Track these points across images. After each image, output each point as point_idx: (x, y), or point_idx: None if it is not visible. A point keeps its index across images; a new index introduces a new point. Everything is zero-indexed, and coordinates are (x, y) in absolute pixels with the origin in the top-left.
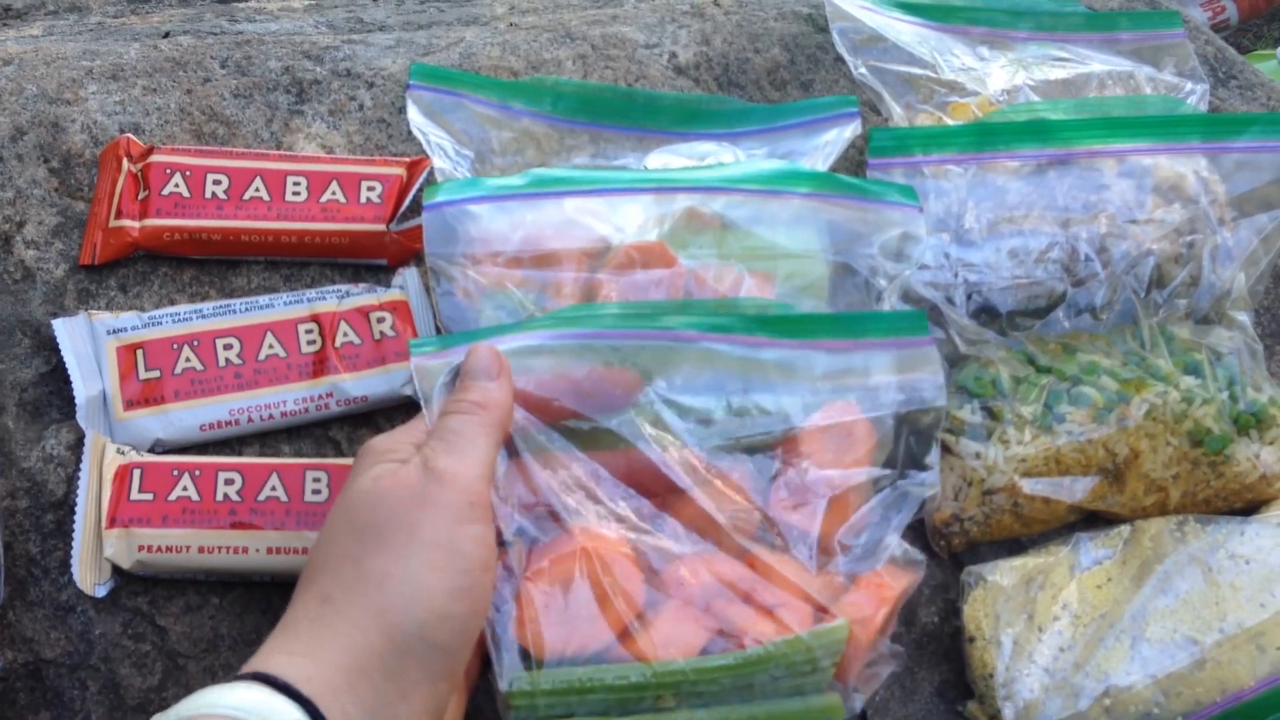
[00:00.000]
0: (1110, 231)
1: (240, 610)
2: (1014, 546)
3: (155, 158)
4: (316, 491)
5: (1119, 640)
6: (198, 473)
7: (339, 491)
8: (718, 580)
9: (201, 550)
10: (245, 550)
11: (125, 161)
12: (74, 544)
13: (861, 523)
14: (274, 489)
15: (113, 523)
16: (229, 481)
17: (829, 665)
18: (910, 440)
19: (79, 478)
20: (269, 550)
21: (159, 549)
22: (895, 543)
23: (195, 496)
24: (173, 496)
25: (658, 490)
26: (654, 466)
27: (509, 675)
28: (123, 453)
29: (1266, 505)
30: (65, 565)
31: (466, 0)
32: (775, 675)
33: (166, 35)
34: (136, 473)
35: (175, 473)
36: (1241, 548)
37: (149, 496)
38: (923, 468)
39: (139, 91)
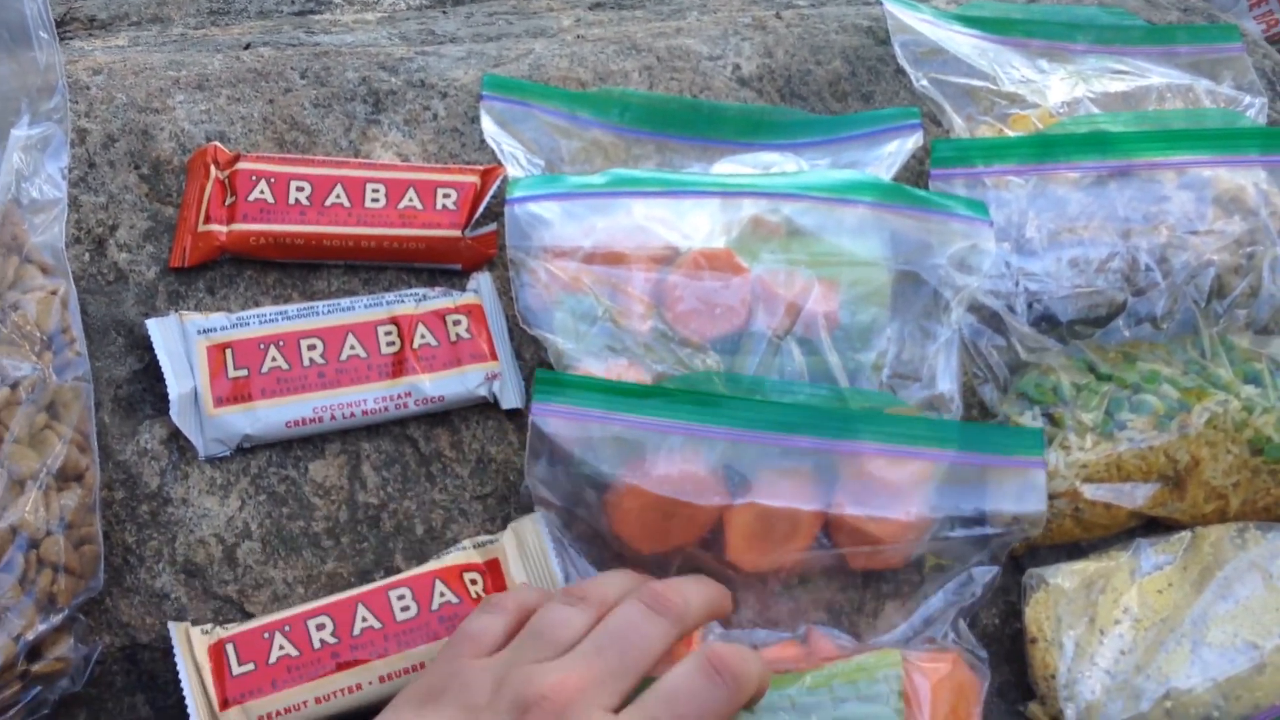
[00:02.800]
0: (1170, 242)
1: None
2: (1074, 550)
3: (241, 165)
4: (405, 609)
5: (1180, 644)
6: (287, 628)
7: (424, 611)
8: None
9: (318, 700)
10: (359, 687)
11: (213, 168)
12: None
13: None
14: (365, 619)
15: (225, 704)
16: (320, 626)
17: (893, 692)
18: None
19: (178, 671)
20: (380, 679)
21: (277, 713)
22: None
23: (294, 652)
24: (273, 659)
25: None
26: None
27: None
28: (206, 631)
29: None
30: (159, 554)
31: (533, 13)
32: (840, 696)
33: (248, 46)
34: (230, 648)
35: (266, 635)
36: None
37: (250, 667)
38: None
39: (224, 101)
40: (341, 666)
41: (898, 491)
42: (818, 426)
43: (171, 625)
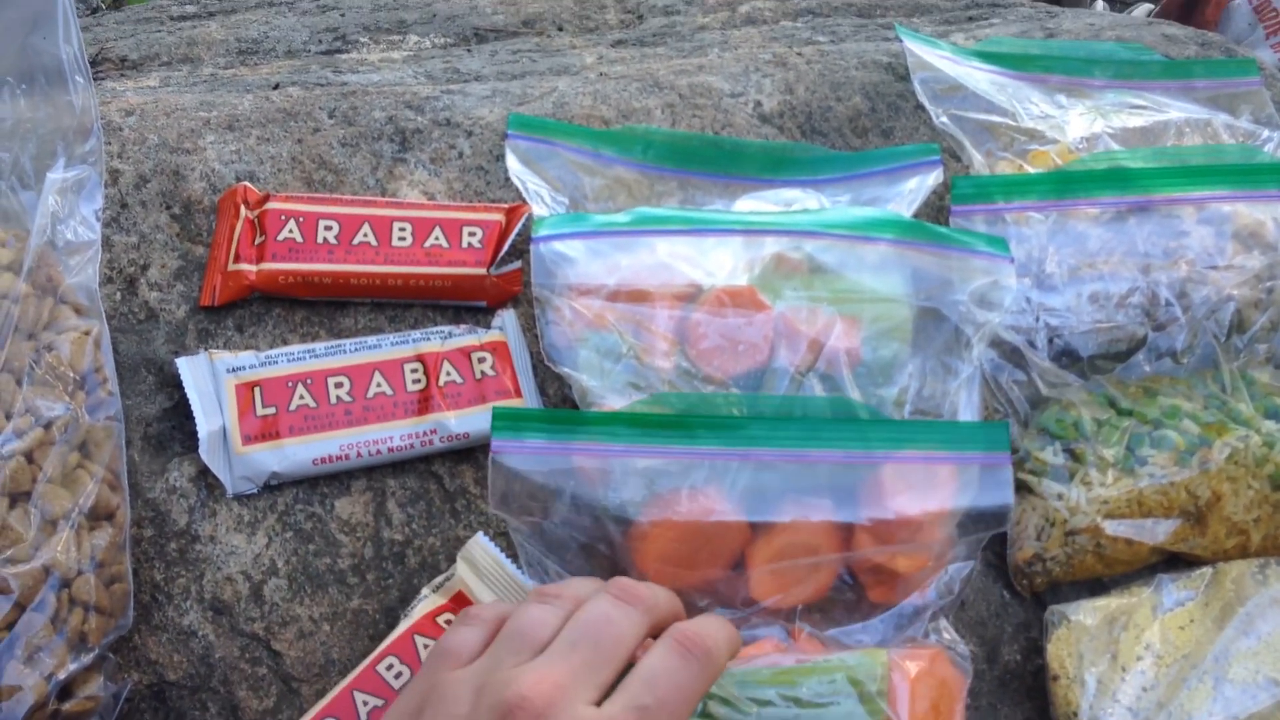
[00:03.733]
0: (1190, 277)
1: (350, 636)
2: (1095, 586)
3: (271, 205)
4: (399, 676)
5: (1202, 681)
6: None
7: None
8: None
9: None
10: None
11: (243, 208)
12: None
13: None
14: (366, 703)
15: None
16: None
17: (876, 691)
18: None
19: None
20: None
21: None
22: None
23: None
24: None
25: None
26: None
27: None
28: None
29: None
30: (187, 592)
31: (556, 50)
32: (820, 693)
33: (276, 87)
34: None
35: None
36: None
37: None
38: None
39: (253, 141)
40: None
41: (919, 528)
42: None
43: None
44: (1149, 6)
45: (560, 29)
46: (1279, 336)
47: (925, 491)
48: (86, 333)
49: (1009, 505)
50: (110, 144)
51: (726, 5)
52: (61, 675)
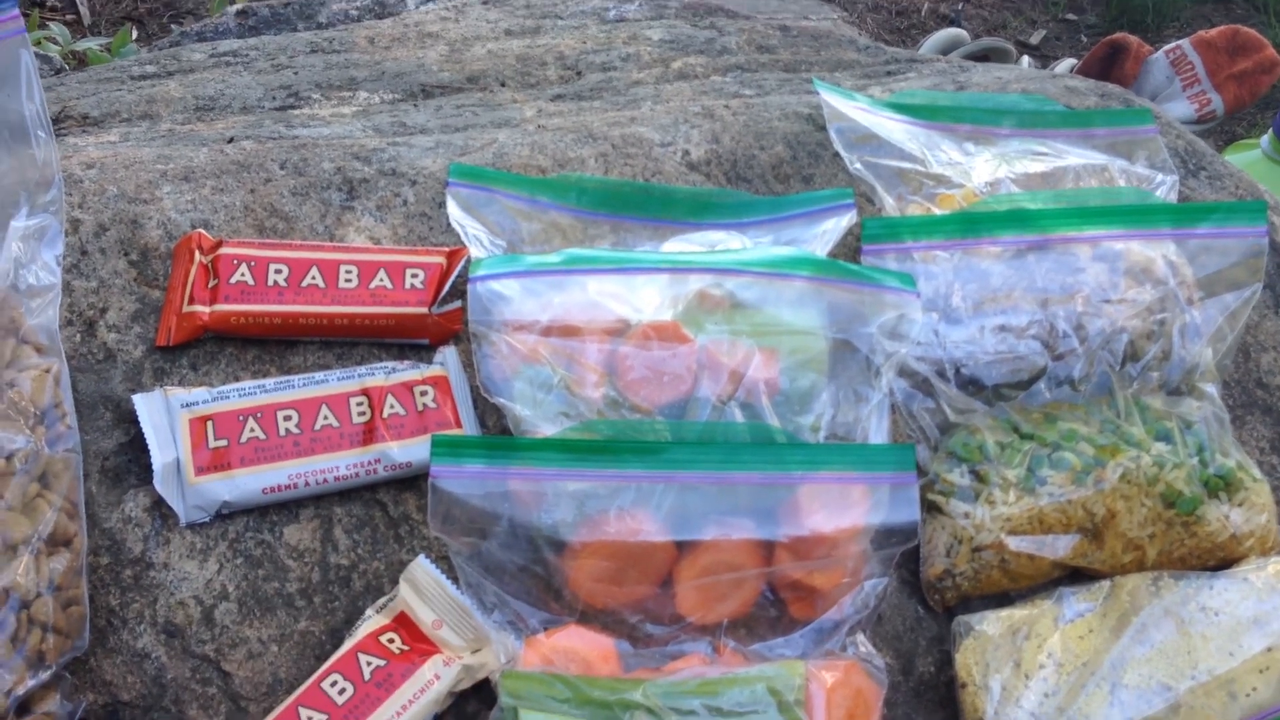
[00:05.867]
0: (1086, 310)
1: (297, 656)
2: (1004, 600)
3: (224, 250)
4: (342, 692)
5: (1099, 686)
6: None
7: (360, 684)
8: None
9: None
10: None
11: (197, 253)
12: None
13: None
14: (311, 718)
15: None
16: None
17: (794, 700)
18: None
19: None
20: None
21: None
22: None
23: None
24: None
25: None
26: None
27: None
28: None
29: (1237, 563)
30: (141, 616)
31: (499, 105)
32: (740, 702)
33: (231, 140)
34: None
35: None
36: (1211, 600)
37: None
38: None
39: (208, 191)
40: None
41: (835, 544)
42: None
43: None
44: (1071, 62)
45: (503, 85)
46: (1170, 365)
47: (839, 510)
48: (47, 370)
49: (917, 521)
50: (71, 195)
51: (661, 62)
52: (20, 691)
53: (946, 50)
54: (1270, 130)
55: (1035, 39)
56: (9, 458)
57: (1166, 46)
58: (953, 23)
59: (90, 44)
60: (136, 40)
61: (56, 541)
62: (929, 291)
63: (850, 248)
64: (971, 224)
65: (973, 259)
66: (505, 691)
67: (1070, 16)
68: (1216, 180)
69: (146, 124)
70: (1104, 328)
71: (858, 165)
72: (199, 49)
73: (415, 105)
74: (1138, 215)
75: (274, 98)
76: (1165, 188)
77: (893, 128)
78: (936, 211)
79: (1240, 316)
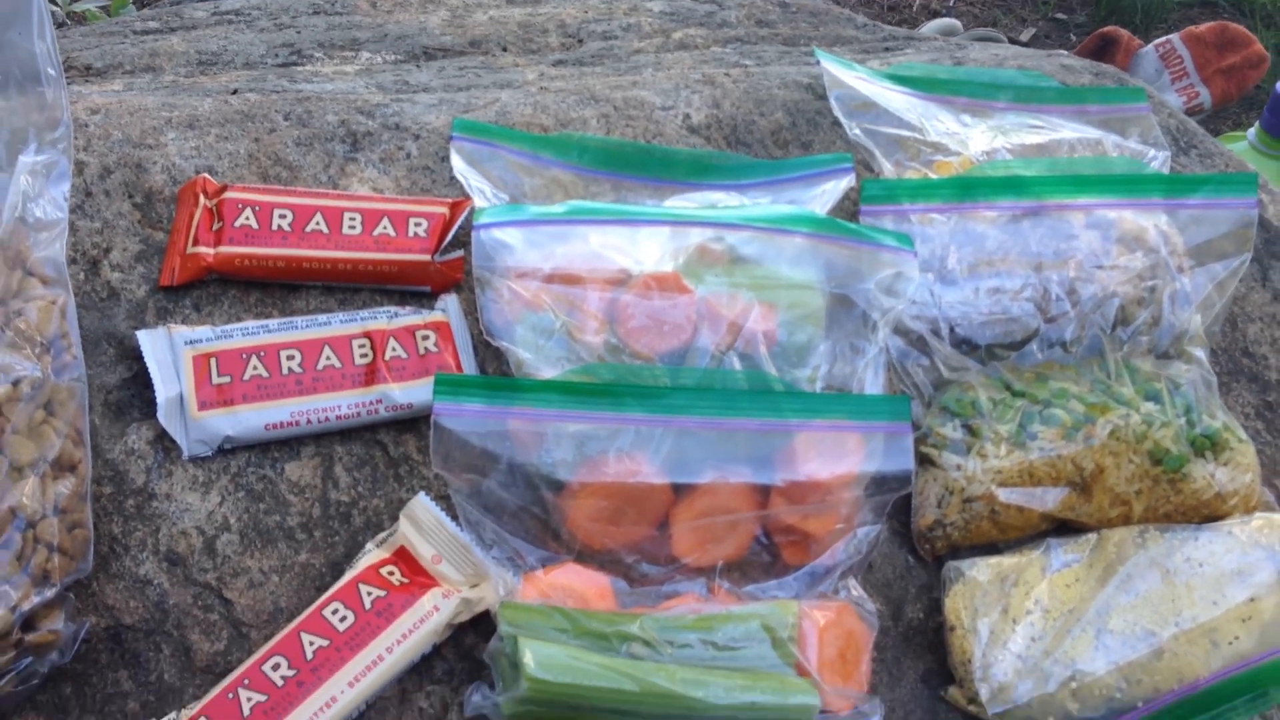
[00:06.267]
0: (1079, 276)
1: (297, 587)
2: (992, 551)
3: (228, 194)
4: (344, 619)
5: (1085, 631)
6: (247, 681)
7: (360, 613)
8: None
9: None
10: (333, 701)
11: (202, 197)
12: None
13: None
14: (312, 643)
15: None
16: (275, 666)
17: (788, 637)
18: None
19: None
20: (350, 684)
21: None
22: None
23: (261, 698)
24: (247, 712)
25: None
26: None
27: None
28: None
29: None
30: (144, 545)
31: (501, 68)
32: (735, 637)
33: (235, 92)
34: None
35: (230, 696)
36: (1196, 552)
37: None
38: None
39: (212, 139)
40: (309, 691)
41: (829, 490)
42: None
43: None
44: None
45: (505, 50)
46: (1160, 330)
47: (835, 457)
48: (53, 302)
49: (911, 469)
50: (76, 138)
51: (661, 32)
52: (25, 607)
53: None
54: (1258, 123)
55: (1025, 36)
56: (16, 384)
57: (1156, 40)
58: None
59: (89, 5)
60: (135, 3)
61: (62, 466)
62: (925, 253)
63: (848, 212)
64: (968, 189)
65: (968, 223)
66: (505, 621)
67: (1060, 16)
68: (1207, 159)
69: (149, 76)
70: (1096, 293)
71: (857, 131)
72: (201, 7)
73: (418, 66)
74: (1131, 185)
75: (277, 55)
76: (1157, 163)
77: (891, 97)
78: (933, 177)
79: (1229, 285)
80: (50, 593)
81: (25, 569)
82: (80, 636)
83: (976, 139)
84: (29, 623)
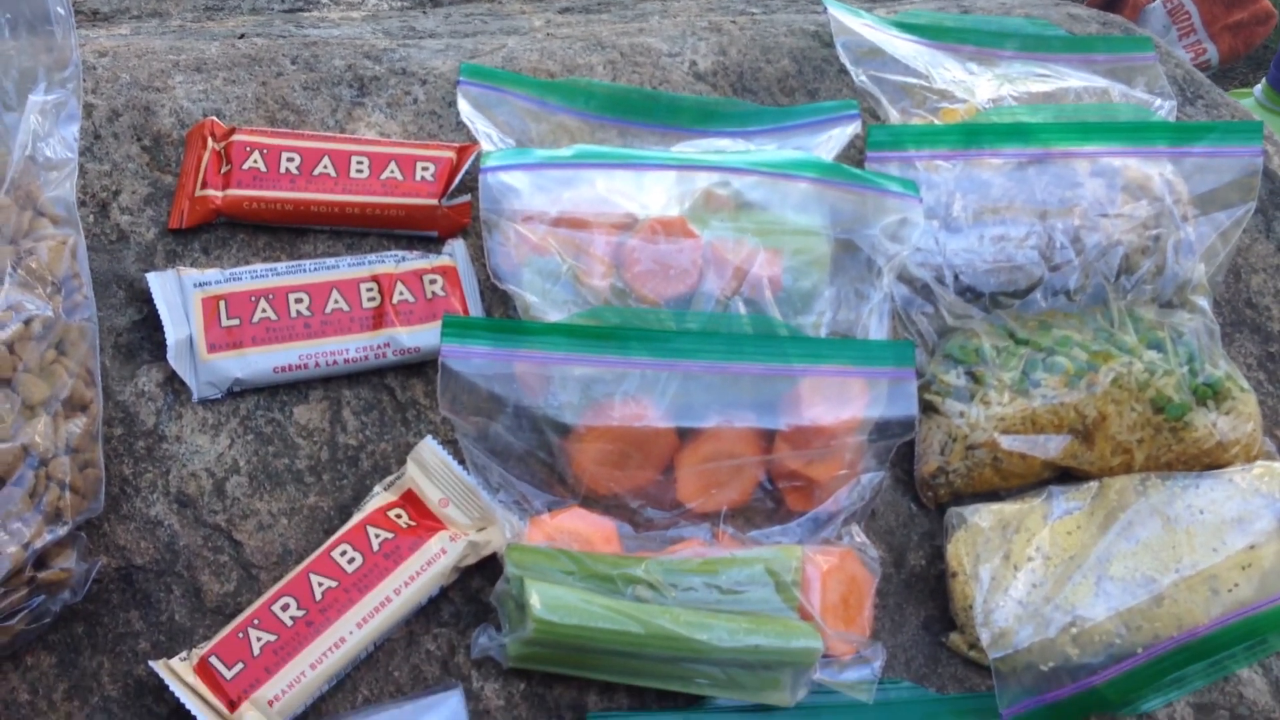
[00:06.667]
0: (1083, 224)
1: (306, 529)
2: (994, 499)
3: (236, 137)
4: (351, 561)
5: (1085, 578)
6: (257, 622)
7: (369, 555)
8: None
9: (313, 666)
10: (342, 642)
11: (210, 140)
12: None
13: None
14: (321, 584)
15: (233, 705)
16: (285, 607)
17: (791, 581)
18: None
19: (182, 703)
20: (358, 625)
21: (283, 692)
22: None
23: (271, 637)
24: (257, 652)
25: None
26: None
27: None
28: (185, 658)
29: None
30: (154, 486)
31: (507, 15)
32: (739, 581)
33: (242, 36)
34: (214, 659)
35: (241, 635)
36: (1197, 499)
37: (241, 667)
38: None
39: (220, 82)
40: (318, 631)
41: (833, 435)
42: (753, 353)
43: (153, 665)
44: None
45: None
46: (1163, 279)
47: (839, 403)
48: (64, 242)
49: (914, 415)
50: (85, 81)
51: None
52: (38, 544)
53: None
54: (1264, 80)
55: None
56: (27, 323)
57: None
58: None
59: None
60: None
61: (73, 406)
62: (930, 200)
63: (854, 159)
64: (974, 136)
65: (974, 170)
66: (511, 563)
67: None
68: (1214, 109)
69: (156, 21)
70: (1100, 241)
71: (863, 78)
72: None
73: (424, 12)
74: (1136, 132)
75: (283, 0)
76: (1164, 113)
77: (898, 44)
78: (940, 124)
79: (1233, 235)
80: (62, 531)
81: (38, 506)
82: (92, 576)
83: (983, 86)
84: (41, 561)
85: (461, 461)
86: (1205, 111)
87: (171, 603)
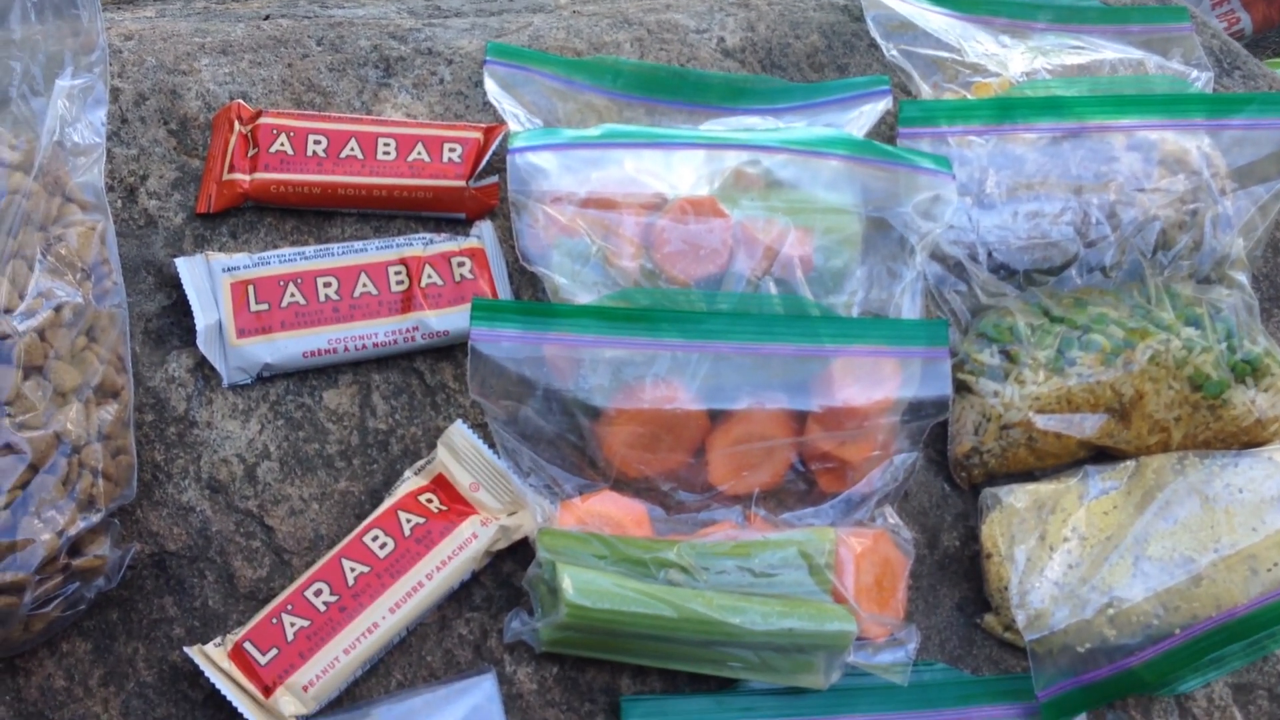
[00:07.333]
0: (1119, 199)
1: (337, 514)
2: (1029, 479)
3: (263, 120)
4: (384, 546)
5: (1122, 558)
6: (290, 607)
7: (400, 540)
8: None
9: (346, 651)
10: (375, 626)
11: (236, 123)
12: None
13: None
14: (354, 569)
15: (268, 691)
16: (318, 592)
17: (824, 564)
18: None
19: (216, 688)
20: (391, 610)
21: (316, 677)
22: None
23: (305, 623)
24: (290, 637)
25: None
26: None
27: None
28: (220, 644)
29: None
30: (186, 472)
31: None
32: (772, 564)
33: (267, 18)
34: (249, 645)
35: (275, 620)
36: (1236, 478)
37: (275, 652)
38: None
39: (246, 65)
40: (351, 616)
41: (866, 416)
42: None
43: (188, 650)
44: None
45: None
46: (1201, 254)
47: (871, 383)
48: (93, 228)
49: (948, 395)
50: (111, 64)
51: None
52: (72, 531)
53: None
54: None
55: None
56: (58, 309)
57: None
58: None
59: None
60: None
61: (105, 393)
62: (963, 176)
63: (885, 135)
64: (1007, 110)
65: (1008, 145)
66: (543, 547)
67: None
68: (1251, 80)
69: (181, 3)
70: (1136, 216)
71: (894, 53)
72: None
73: None
74: (1172, 105)
75: None
76: (1200, 84)
77: (929, 18)
78: (972, 99)
79: (1272, 208)
80: (96, 518)
81: (71, 494)
82: (126, 563)
83: (1016, 60)
84: (75, 548)
85: (492, 445)
86: (1243, 83)
87: (205, 588)
